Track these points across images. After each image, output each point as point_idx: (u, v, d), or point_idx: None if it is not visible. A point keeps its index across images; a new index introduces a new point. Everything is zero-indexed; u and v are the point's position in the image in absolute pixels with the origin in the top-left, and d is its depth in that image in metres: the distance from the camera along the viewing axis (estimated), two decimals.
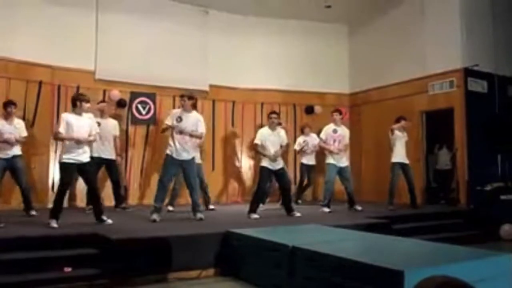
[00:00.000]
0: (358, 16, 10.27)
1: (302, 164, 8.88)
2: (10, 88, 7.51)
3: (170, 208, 7.29)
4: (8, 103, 6.36)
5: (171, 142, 6.03)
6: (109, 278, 4.22)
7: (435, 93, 8.62)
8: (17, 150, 6.29)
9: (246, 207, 6.76)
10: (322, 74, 10.22)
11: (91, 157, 7.02)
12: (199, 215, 6.02)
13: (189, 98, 6.18)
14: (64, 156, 5.36)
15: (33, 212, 6.35)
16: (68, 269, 4.23)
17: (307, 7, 9.61)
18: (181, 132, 5.98)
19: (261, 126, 9.69)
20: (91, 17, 8.46)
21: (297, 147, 8.94)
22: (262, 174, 6.61)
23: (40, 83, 7.87)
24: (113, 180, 7.31)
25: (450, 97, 8.36)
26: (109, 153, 7.10)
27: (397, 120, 7.75)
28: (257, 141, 6.69)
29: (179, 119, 6.03)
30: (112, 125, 7.30)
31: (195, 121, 6.13)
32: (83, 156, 5.43)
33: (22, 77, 7.68)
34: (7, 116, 6.28)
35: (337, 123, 7.59)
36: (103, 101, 7.77)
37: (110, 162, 7.17)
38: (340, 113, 7.75)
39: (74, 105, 5.53)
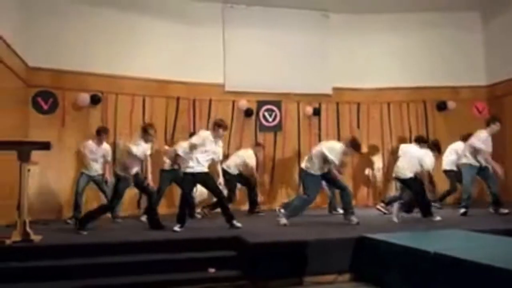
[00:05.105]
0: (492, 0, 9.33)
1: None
2: (153, 104, 8.39)
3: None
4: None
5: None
6: (248, 280, 4.43)
7: None
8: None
9: (376, 211, 6.57)
10: (454, 67, 9.42)
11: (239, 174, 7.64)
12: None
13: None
14: (188, 167, 5.84)
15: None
16: (212, 270, 4.54)
17: None
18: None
19: (390, 127, 9.39)
20: (218, 34, 9.04)
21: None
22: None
23: (178, 99, 8.64)
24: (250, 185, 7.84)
25: None
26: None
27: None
28: None
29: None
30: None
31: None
32: (200, 167, 5.81)
33: (162, 94, 8.53)
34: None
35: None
36: (259, 144, 8.42)
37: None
38: None
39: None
